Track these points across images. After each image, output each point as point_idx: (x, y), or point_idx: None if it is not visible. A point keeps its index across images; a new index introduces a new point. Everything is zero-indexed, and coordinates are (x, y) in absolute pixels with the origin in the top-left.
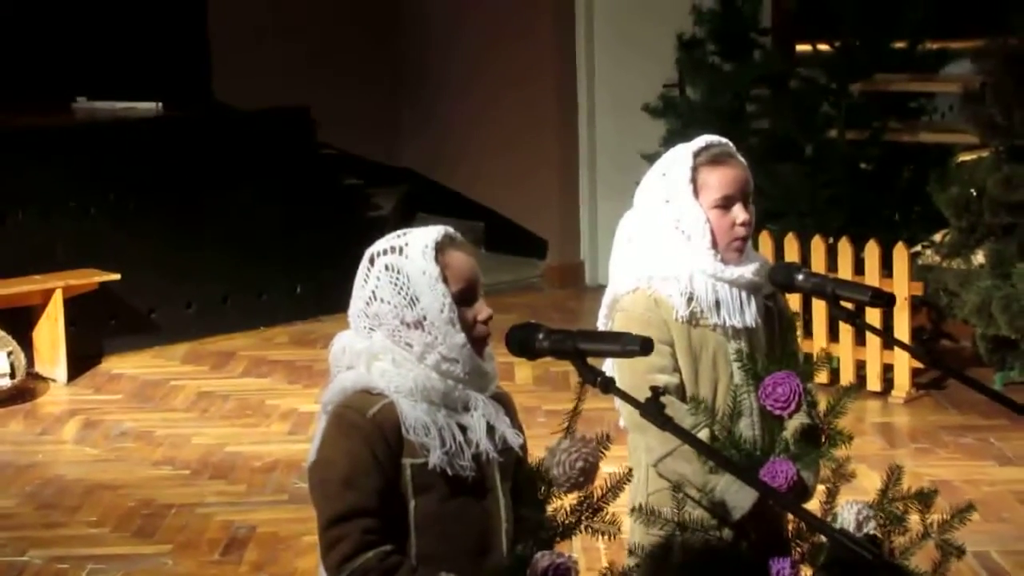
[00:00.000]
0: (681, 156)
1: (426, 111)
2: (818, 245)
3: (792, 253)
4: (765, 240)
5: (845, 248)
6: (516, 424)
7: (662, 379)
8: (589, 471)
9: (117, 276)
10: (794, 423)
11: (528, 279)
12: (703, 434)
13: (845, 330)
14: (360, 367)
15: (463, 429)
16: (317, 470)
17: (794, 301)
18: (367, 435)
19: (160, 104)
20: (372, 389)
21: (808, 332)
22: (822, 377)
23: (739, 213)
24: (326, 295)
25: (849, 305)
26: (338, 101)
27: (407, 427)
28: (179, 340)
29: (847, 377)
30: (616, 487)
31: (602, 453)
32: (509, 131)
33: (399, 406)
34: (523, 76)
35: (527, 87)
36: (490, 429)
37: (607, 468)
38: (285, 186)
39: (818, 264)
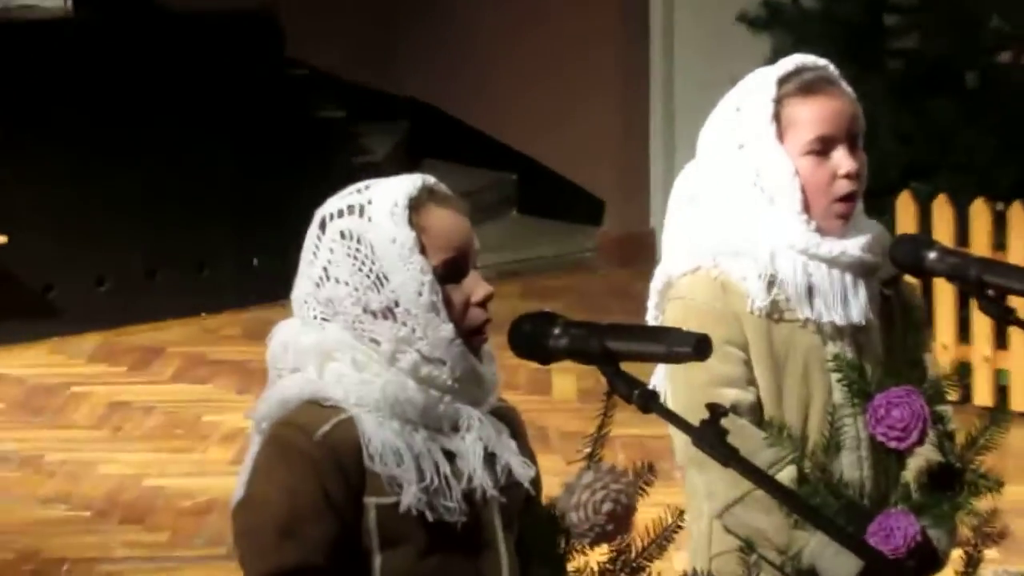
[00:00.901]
0: (761, 84)
1: (439, 19)
2: (981, 212)
3: (943, 223)
4: (906, 203)
5: (1020, 217)
6: (525, 450)
7: (730, 395)
8: (621, 516)
9: (2, 239)
10: (918, 461)
11: (577, 253)
12: (787, 474)
13: (1020, 333)
14: (308, 370)
15: (450, 457)
16: (245, 512)
17: (946, 290)
18: (315, 463)
19: (69, 0)
20: (324, 400)
21: (964, 336)
22: (984, 397)
23: (842, 161)
24: (292, 272)
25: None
26: (316, 3)
27: (371, 454)
28: (86, 329)
29: (1021, 398)
30: (662, 540)
31: (641, 491)
32: (554, 49)
33: (361, 424)
34: None
35: None
36: (489, 457)
37: (648, 512)
38: (239, 119)
39: (980, 238)
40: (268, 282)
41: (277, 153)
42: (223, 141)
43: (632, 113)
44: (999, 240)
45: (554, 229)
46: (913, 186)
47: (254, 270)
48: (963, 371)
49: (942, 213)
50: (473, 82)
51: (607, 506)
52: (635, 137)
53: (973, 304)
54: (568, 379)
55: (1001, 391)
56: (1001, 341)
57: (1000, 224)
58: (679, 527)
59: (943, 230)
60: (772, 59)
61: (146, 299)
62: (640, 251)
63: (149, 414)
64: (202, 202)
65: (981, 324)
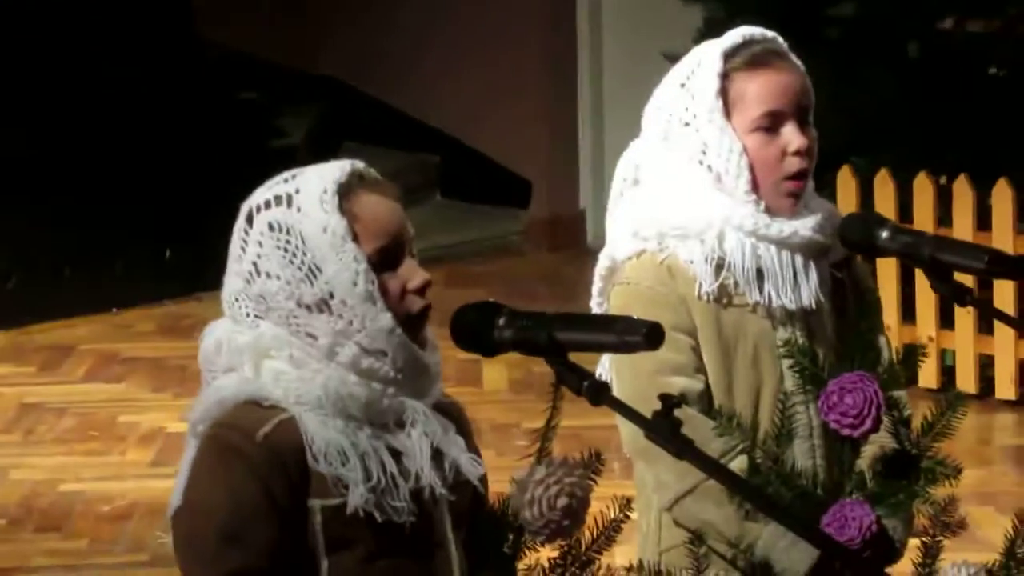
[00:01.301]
0: (707, 58)
1: None
2: (924, 187)
3: (885, 198)
4: (846, 180)
5: (964, 192)
6: (472, 447)
7: (679, 383)
8: (575, 511)
9: None
10: (873, 448)
11: (504, 237)
12: (739, 463)
13: (964, 312)
14: (244, 369)
15: (396, 455)
16: (185, 518)
17: (890, 270)
18: (256, 466)
19: None
20: (263, 400)
21: (909, 315)
22: (929, 379)
23: (792, 137)
24: (208, 263)
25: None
26: None
27: (315, 454)
28: None
29: (967, 380)
30: (610, 532)
31: (592, 483)
32: (479, 28)
33: (303, 424)
34: None
35: None
36: (435, 455)
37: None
38: (149, 101)
39: (924, 214)
40: (182, 274)
41: (189, 138)
42: (132, 126)
43: (560, 91)
44: (944, 218)
45: (479, 213)
46: (853, 161)
47: (167, 264)
48: (914, 353)
49: (884, 189)
50: (395, 62)
51: (562, 501)
52: (563, 115)
53: (918, 283)
54: (499, 370)
55: (946, 372)
56: (946, 321)
57: (945, 200)
58: (627, 517)
59: (885, 206)
60: (704, 32)
61: (55, 295)
62: (569, 234)
63: (62, 416)
64: (111, 191)
65: (925, 304)
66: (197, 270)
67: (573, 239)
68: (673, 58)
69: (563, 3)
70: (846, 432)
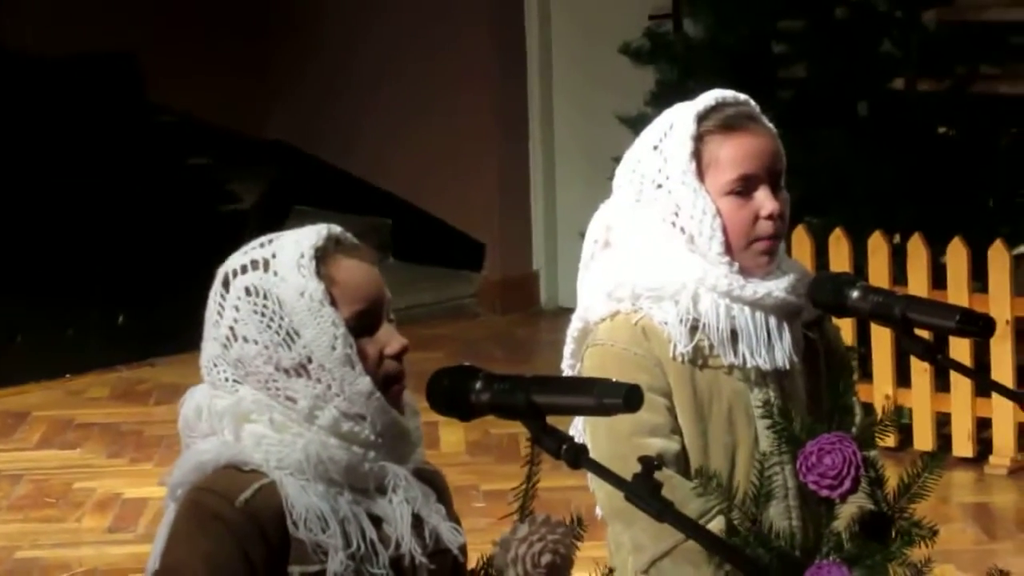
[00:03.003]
0: (680, 120)
1: (305, 57)
2: (879, 246)
3: (840, 257)
4: (801, 238)
5: (918, 250)
6: (453, 515)
7: (656, 444)
8: (560, 568)
9: None
10: (850, 509)
11: (457, 300)
12: (716, 524)
13: (920, 370)
14: (225, 433)
15: (376, 522)
16: None
17: (846, 329)
18: (236, 530)
19: None
20: (243, 464)
21: (866, 373)
22: (887, 439)
23: (765, 201)
24: (160, 328)
25: (926, 334)
26: (177, 46)
27: (295, 519)
28: None
29: (924, 438)
30: None
31: (575, 542)
32: (427, 90)
33: (283, 489)
34: (447, 4)
35: (453, 19)
36: (416, 521)
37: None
38: (100, 167)
39: (879, 273)
40: (135, 340)
41: (140, 203)
42: (82, 191)
43: (511, 152)
44: (898, 276)
45: (432, 275)
46: (807, 220)
47: (119, 329)
48: (900, 414)
49: (839, 247)
50: (343, 125)
51: (546, 558)
52: (514, 177)
53: (874, 341)
54: (456, 432)
55: (903, 430)
56: (903, 379)
57: (899, 258)
58: None
59: (840, 265)
60: (658, 92)
61: (7, 362)
62: (523, 295)
63: (17, 482)
64: (62, 257)
65: (882, 362)
66: (150, 335)
67: (527, 301)
68: (626, 120)
69: (513, 63)
70: (824, 493)
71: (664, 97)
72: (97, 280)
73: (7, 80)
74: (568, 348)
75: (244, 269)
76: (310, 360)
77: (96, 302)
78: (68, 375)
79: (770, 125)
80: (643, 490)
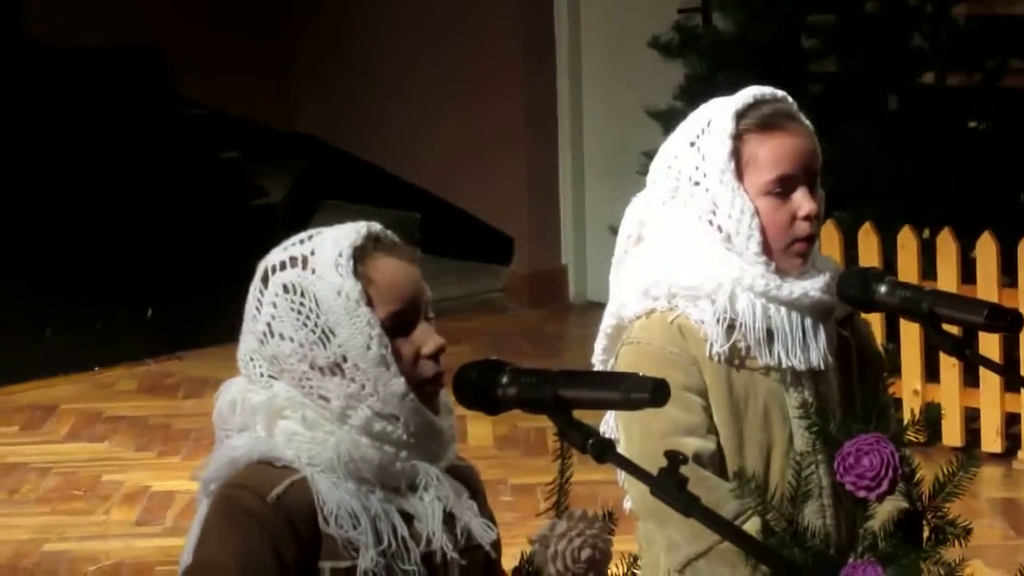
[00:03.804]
0: (718, 117)
1: (335, 51)
2: (908, 240)
3: (869, 252)
4: (830, 233)
5: (948, 244)
6: (486, 512)
7: (691, 444)
8: (600, 562)
9: None
10: (885, 507)
11: (485, 294)
12: (752, 525)
13: (949, 365)
14: (258, 429)
15: (408, 519)
16: None
17: (875, 324)
18: (267, 526)
19: None
20: (276, 460)
21: (894, 368)
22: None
23: (803, 202)
24: (189, 321)
25: (955, 329)
26: (207, 40)
27: (326, 516)
28: None
29: (952, 434)
30: None
31: (612, 536)
32: (458, 85)
33: (315, 485)
34: (477, 2)
35: (483, 13)
36: (447, 518)
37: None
38: (129, 161)
39: (908, 268)
40: (164, 333)
41: (170, 197)
42: (112, 185)
43: (540, 147)
44: (927, 271)
45: (461, 269)
46: (836, 215)
47: (148, 323)
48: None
49: (868, 242)
50: (373, 119)
51: (586, 552)
52: (543, 171)
53: (903, 336)
54: (484, 426)
55: (933, 426)
56: (931, 374)
57: (928, 253)
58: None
59: (869, 260)
60: (687, 86)
61: (36, 355)
62: (552, 289)
63: (45, 475)
64: (92, 251)
65: (911, 357)
66: (178, 329)
67: (555, 295)
68: (654, 114)
69: (543, 58)
70: (862, 494)
71: (693, 91)
72: (126, 274)
73: (38, 74)
74: (600, 344)
75: (283, 265)
76: (345, 359)
77: (125, 296)
78: (97, 368)
79: (807, 122)
80: (670, 485)
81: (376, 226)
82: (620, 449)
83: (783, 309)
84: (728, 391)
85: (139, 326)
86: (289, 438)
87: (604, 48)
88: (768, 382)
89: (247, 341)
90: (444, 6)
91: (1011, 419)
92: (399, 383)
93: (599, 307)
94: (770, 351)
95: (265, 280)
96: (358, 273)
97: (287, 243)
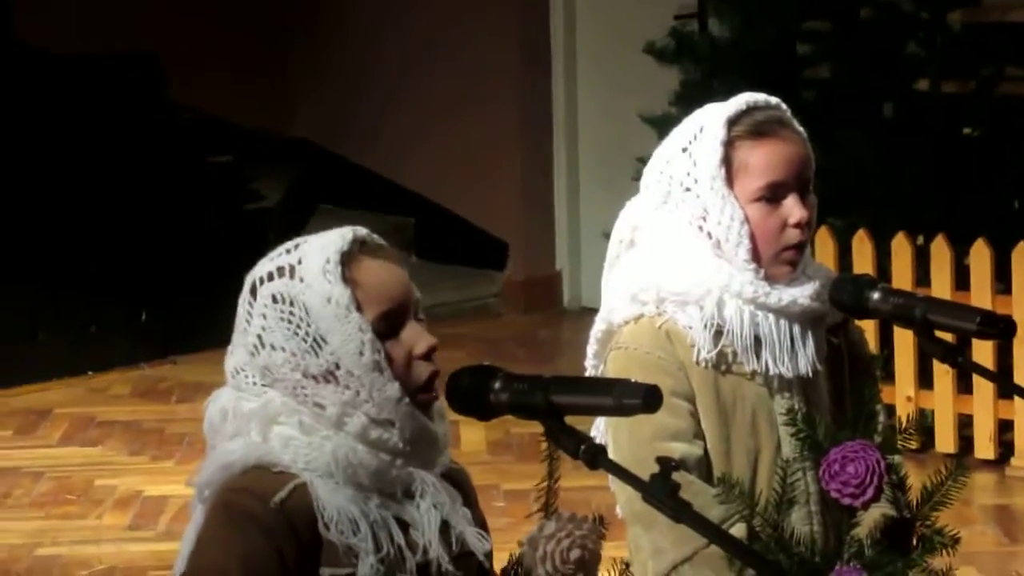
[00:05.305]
0: (710, 124)
1: (330, 55)
2: (902, 247)
3: (863, 259)
4: (824, 240)
5: (942, 251)
6: (479, 519)
7: (678, 449)
8: (589, 564)
9: None
10: (872, 514)
11: (480, 299)
12: (737, 530)
13: (942, 372)
14: (252, 435)
15: (404, 526)
16: None
17: (868, 330)
18: (270, 530)
19: None
20: (272, 465)
21: (887, 375)
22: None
23: (793, 209)
24: (183, 326)
25: (948, 336)
26: (200, 44)
27: (327, 521)
28: None
29: (945, 441)
30: None
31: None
32: (452, 89)
33: (315, 490)
34: (472, 3)
35: (478, 18)
36: (442, 526)
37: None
38: (123, 166)
39: (902, 274)
40: (158, 337)
41: (163, 201)
42: (106, 190)
43: (535, 152)
44: (921, 278)
45: (455, 274)
46: (831, 222)
47: (142, 327)
48: (924, 418)
49: (862, 249)
50: (368, 124)
51: (575, 553)
52: (538, 177)
53: (896, 343)
54: (477, 431)
55: (925, 432)
56: (924, 381)
57: (922, 260)
58: None
59: (863, 266)
60: (682, 92)
61: (30, 359)
62: (546, 295)
63: (38, 479)
64: (85, 255)
65: (904, 363)
66: (173, 333)
67: (550, 301)
68: (650, 120)
69: (538, 64)
70: (847, 502)
71: (688, 97)
72: (120, 278)
73: (31, 78)
74: (591, 349)
75: (271, 276)
76: (338, 366)
77: (119, 300)
78: (90, 372)
79: (800, 129)
80: (661, 491)
81: (362, 230)
82: (609, 454)
83: (771, 316)
84: (715, 396)
85: (133, 330)
86: (285, 443)
87: (599, 54)
88: (756, 388)
89: (237, 354)
90: (439, 11)
91: (1004, 426)
92: (393, 388)
93: (593, 313)
94: (758, 358)
95: (254, 292)
96: (346, 278)
97: (273, 254)
